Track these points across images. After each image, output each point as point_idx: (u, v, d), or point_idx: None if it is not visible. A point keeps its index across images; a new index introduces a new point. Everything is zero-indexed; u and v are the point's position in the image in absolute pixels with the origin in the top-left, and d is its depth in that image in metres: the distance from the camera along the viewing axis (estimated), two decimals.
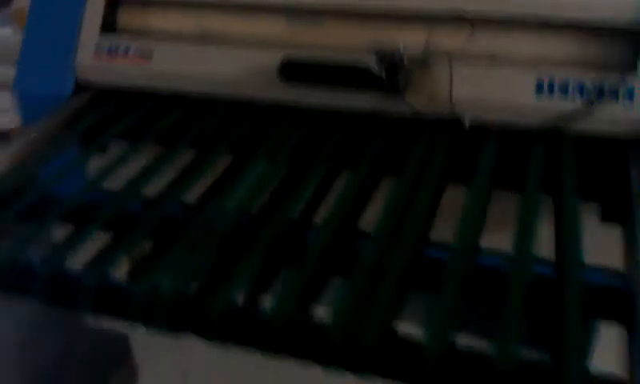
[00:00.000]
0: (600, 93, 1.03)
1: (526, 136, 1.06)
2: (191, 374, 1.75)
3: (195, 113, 1.21)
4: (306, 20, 1.24)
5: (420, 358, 0.69)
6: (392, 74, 1.06)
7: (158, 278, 0.82)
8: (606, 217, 0.99)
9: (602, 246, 0.86)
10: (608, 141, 1.04)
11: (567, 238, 0.85)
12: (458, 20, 1.10)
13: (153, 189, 1.03)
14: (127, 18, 1.34)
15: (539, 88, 1.06)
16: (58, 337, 2.24)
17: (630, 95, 1.02)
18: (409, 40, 1.10)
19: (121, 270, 0.86)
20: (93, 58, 1.30)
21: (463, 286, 0.77)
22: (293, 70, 1.13)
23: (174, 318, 0.79)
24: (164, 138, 1.16)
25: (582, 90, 1.04)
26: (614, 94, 1.02)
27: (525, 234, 0.86)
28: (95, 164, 1.11)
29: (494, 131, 1.08)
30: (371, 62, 1.06)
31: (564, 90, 1.05)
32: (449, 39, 1.10)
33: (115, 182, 1.06)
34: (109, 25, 1.32)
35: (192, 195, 1.02)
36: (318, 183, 1.01)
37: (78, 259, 0.88)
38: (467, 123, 1.09)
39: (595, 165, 1.02)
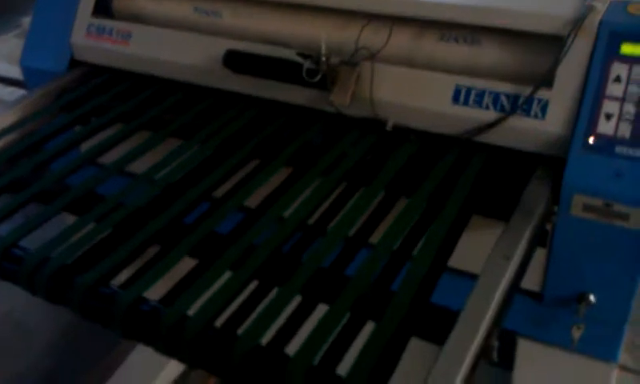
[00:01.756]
0: (513, 106, 1.04)
1: (440, 143, 1.09)
2: None
3: (157, 95, 1.32)
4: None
5: None
6: (315, 72, 1.12)
7: (187, 306, 0.80)
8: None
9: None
10: (517, 153, 1.05)
11: (426, 242, 0.89)
12: (383, 23, 1.14)
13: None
14: (120, 1, 1.47)
15: (456, 96, 1.08)
16: None
17: (543, 110, 1.02)
18: (336, 39, 1.16)
19: None
20: (84, 38, 1.44)
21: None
22: (233, 60, 1.22)
23: (197, 353, 0.77)
24: (125, 117, 1.28)
25: (496, 101, 1.05)
26: (527, 108, 1.03)
27: (387, 235, 0.91)
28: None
29: (414, 135, 1.11)
30: (295, 58, 1.13)
31: (479, 100, 1.07)
32: (373, 42, 1.13)
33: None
34: (102, 8, 1.46)
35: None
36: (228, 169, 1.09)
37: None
38: (390, 126, 1.13)
39: (496, 177, 1.03)
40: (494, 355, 0.75)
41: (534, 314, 1.03)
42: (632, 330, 1.01)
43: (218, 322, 0.79)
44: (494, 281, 0.79)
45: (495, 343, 0.74)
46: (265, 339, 0.75)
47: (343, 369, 0.71)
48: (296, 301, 0.82)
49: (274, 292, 0.81)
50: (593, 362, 1.02)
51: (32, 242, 0.96)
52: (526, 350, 1.07)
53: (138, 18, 1.45)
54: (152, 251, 0.93)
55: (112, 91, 1.36)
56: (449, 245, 0.90)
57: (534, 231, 0.90)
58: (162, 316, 0.78)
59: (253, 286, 0.86)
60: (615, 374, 1.05)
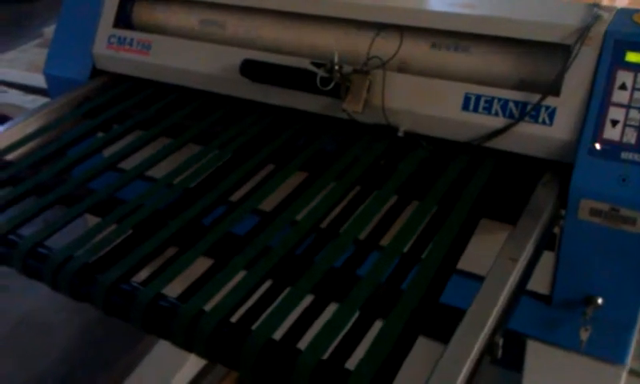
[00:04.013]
0: (521, 113, 1.06)
1: (450, 148, 1.12)
2: None
3: (175, 103, 1.37)
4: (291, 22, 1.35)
5: None
6: (329, 80, 1.15)
7: (203, 302, 0.83)
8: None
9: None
10: (525, 158, 1.07)
11: (436, 244, 0.92)
12: (394, 32, 1.17)
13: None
14: (140, 13, 1.52)
15: (465, 103, 1.11)
16: None
17: (551, 117, 1.05)
18: (348, 48, 1.19)
19: None
20: (106, 48, 1.49)
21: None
22: (250, 69, 1.25)
23: (212, 347, 0.79)
24: (145, 125, 1.32)
25: (504, 108, 1.08)
26: (535, 115, 1.06)
27: (398, 238, 0.94)
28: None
29: (425, 141, 1.14)
30: (309, 67, 1.16)
31: (488, 107, 1.09)
32: (384, 51, 1.17)
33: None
34: (123, 20, 1.51)
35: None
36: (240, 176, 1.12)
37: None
38: (402, 133, 1.16)
39: (505, 182, 1.06)
40: (499, 353, 0.77)
41: (542, 316, 1.05)
42: None
43: (233, 319, 0.82)
44: (499, 282, 0.81)
45: (500, 341, 0.77)
46: (278, 335, 0.78)
47: (352, 365, 0.74)
48: (308, 299, 0.86)
49: (287, 291, 0.85)
50: (601, 364, 1.04)
51: (55, 243, 1.00)
52: (534, 351, 1.09)
53: (156, 29, 1.49)
54: (170, 251, 0.97)
55: (132, 99, 1.41)
56: (458, 247, 0.93)
57: (541, 234, 0.92)
58: (179, 311, 0.81)
59: (267, 285, 0.89)
60: (624, 376, 1.07)
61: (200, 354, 0.79)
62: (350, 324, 0.79)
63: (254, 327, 0.79)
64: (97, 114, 1.38)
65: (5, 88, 3.25)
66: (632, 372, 1.81)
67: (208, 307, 0.83)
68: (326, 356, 0.74)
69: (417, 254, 0.92)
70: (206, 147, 1.22)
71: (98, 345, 2.11)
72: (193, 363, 1.79)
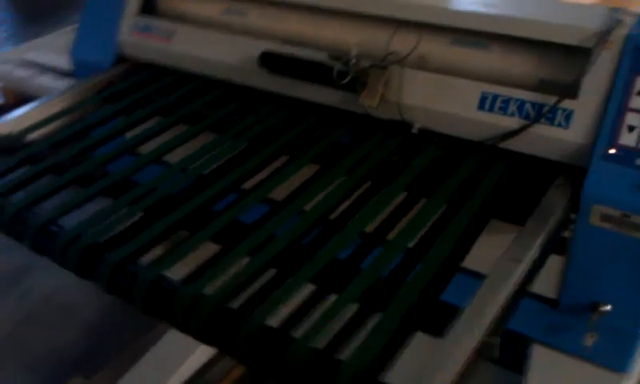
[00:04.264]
0: (538, 114, 1.05)
1: (465, 147, 1.12)
2: None
3: (195, 91, 1.38)
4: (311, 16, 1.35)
5: None
6: (345, 74, 1.15)
7: (203, 285, 0.84)
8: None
9: None
10: (540, 161, 1.06)
11: (441, 241, 0.91)
12: (412, 29, 1.17)
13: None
14: (165, 1, 1.54)
15: (482, 103, 1.10)
16: None
17: (567, 120, 1.04)
18: (367, 43, 1.19)
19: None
20: (130, 35, 1.51)
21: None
22: (268, 61, 1.26)
23: (210, 330, 0.81)
24: (164, 111, 1.34)
25: (520, 109, 1.07)
26: (551, 117, 1.04)
27: (404, 232, 0.94)
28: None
29: (439, 139, 1.14)
30: (326, 60, 1.17)
31: (505, 107, 1.08)
32: (402, 46, 1.16)
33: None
34: (148, 8, 1.53)
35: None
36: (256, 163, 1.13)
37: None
38: (416, 129, 1.16)
39: (517, 183, 1.05)
40: (496, 353, 0.77)
41: (548, 320, 1.04)
42: None
43: (235, 304, 0.83)
44: (500, 282, 0.81)
45: (497, 341, 0.76)
46: (275, 323, 0.79)
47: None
48: (311, 289, 0.86)
49: (288, 280, 0.85)
50: (603, 371, 1.02)
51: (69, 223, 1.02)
52: (539, 355, 1.08)
53: (181, 18, 1.51)
54: (180, 236, 0.99)
55: (153, 86, 1.43)
56: (464, 246, 0.92)
57: (548, 237, 0.91)
58: (178, 293, 0.83)
59: (271, 274, 0.90)
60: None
61: (196, 336, 0.81)
62: (346, 314, 0.79)
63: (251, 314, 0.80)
64: (118, 98, 1.40)
65: (38, 71, 3.32)
66: None
67: (210, 291, 0.84)
68: (319, 345, 0.75)
69: (421, 250, 0.92)
70: (221, 136, 1.23)
71: (117, 326, 2.16)
72: (203, 350, 1.81)
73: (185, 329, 0.82)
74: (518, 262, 0.84)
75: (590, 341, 1.01)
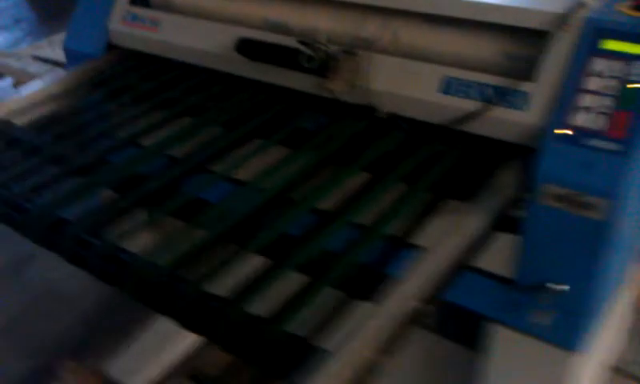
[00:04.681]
0: (498, 97, 1.07)
1: (428, 130, 1.14)
2: None
3: (177, 78, 1.42)
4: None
5: None
6: (313, 59, 1.18)
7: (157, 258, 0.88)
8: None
9: None
10: (498, 143, 1.08)
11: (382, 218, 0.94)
12: (382, 15, 1.19)
13: None
14: None
15: (443, 86, 1.12)
16: None
17: (526, 102, 1.05)
18: (337, 29, 1.22)
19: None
20: (120, 24, 1.56)
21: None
22: (244, 47, 1.30)
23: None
24: (144, 98, 1.38)
25: (482, 92, 1.09)
26: (511, 100, 1.06)
27: (356, 210, 0.97)
28: None
29: (404, 122, 1.16)
30: (297, 46, 1.20)
31: (466, 90, 1.10)
32: (370, 33, 1.19)
33: None
34: None
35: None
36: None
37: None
38: (382, 113, 1.18)
39: (474, 165, 1.07)
40: (431, 322, 0.79)
41: (504, 299, 1.06)
42: None
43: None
44: (437, 253, 0.83)
45: (432, 310, 0.79)
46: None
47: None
48: (259, 261, 0.90)
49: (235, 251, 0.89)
50: (556, 349, 1.03)
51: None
52: (493, 333, 1.10)
53: (171, 8, 1.55)
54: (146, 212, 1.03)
55: (139, 72, 1.48)
56: (414, 223, 0.95)
57: (494, 214, 0.93)
58: (132, 262, 0.87)
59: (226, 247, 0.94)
60: (578, 363, 1.07)
61: (137, 298, 0.85)
62: (290, 286, 0.82)
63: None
64: (104, 85, 1.45)
65: (52, 66, 3.40)
66: (633, 377, 1.78)
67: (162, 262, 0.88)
68: (261, 313, 0.78)
69: (370, 226, 0.94)
70: (198, 118, 1.27)
71: (113, 313, 2.21)
72: (193, 339, 1.86)
73: (136, 295, 0.86)
74: (459, 235, 0.86)
75: (542, 319, 1.02)
